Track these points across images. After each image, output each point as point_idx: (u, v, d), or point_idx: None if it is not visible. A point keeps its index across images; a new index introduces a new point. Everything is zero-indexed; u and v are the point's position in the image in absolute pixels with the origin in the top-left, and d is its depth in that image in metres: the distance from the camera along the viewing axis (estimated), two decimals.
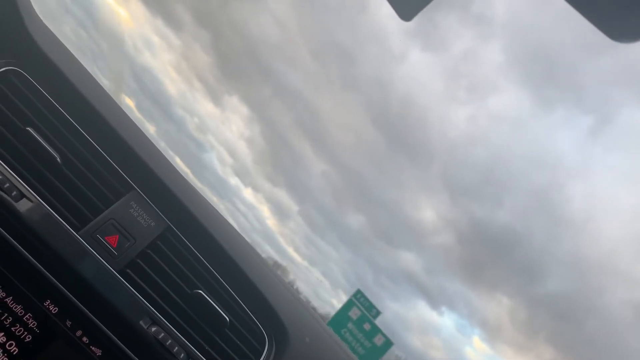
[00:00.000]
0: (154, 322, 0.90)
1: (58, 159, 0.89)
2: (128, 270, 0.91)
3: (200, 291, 0.96)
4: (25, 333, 0.82)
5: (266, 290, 1.07)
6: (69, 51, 1.08)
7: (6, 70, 0.92)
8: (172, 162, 1.12)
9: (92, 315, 0.85)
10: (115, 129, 1.00)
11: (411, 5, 0.73)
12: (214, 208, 1.20)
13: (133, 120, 1.11)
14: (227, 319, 0.97)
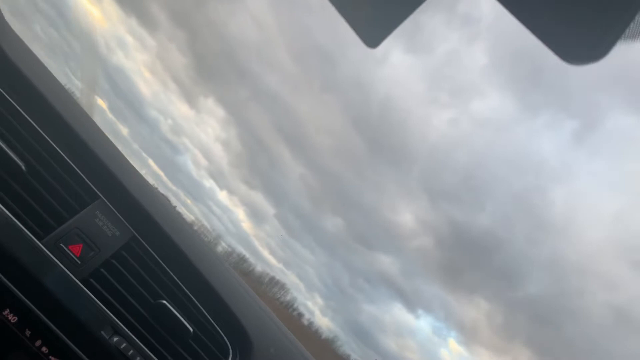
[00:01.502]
0: (116, 332, 0.90)
1: (23, 167, 0.89)
2: (91, 280, 0.91)
3: (164, 301, 0.96)
4: None
5: (231, 300, 1.08)
6: (40, 60, 1.07)
7: None
8: (140, 171, 1.12)
9: (52, 325, 0.85)
10: (83, 139, 0.99)
11: (376, 32, 0.72)
12: (183, 218, 1.20)
13: (102, 129, 1.11)
14: (191, 330, 0.97)
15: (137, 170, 1.11)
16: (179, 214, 1.18)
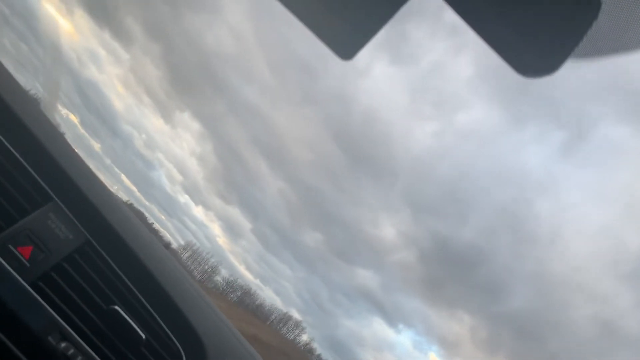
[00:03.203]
0: (64, 337, 0.87)
1: None
2: (40, 283, 0.88)
3: (116, 307, 0.94)
4: None
5: (187, 308, 1.06)
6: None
7: None
8: (95, 173, 1.10)
9: None
10: (38, 138, 0.98)
11: (350, 44, 0.69)
12: (138, 223, 1.18)
13: (58, 129, 1.09)
14: (143, 337, 0.95)
15: (95, 174, 1.10)
16: (137, 220, 1.16)
